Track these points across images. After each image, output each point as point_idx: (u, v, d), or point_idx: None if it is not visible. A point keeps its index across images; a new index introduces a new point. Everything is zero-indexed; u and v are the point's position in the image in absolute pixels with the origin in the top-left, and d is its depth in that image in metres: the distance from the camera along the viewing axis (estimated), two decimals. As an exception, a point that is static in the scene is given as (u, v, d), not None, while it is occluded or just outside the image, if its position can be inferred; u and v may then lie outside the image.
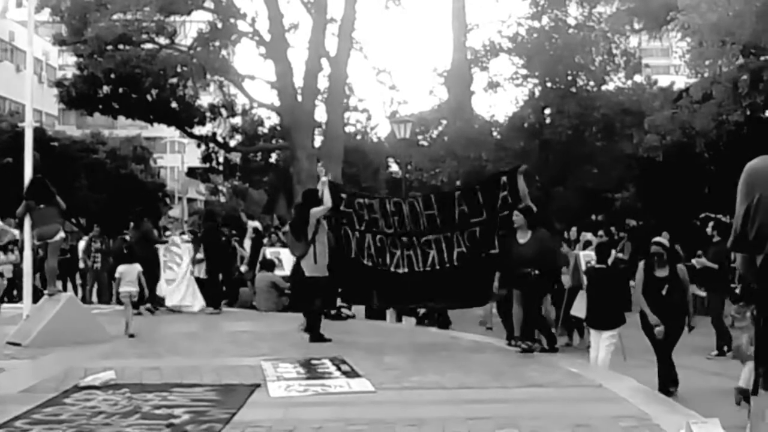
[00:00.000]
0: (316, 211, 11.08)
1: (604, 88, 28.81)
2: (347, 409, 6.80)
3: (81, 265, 19.50)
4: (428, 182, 32.77)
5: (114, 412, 6.72)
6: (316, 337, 10.91)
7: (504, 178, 10.83)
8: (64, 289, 17.94)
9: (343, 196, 11.60)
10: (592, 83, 28.48)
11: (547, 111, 28.50)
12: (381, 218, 11.25)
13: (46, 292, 11.90)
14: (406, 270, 11.12)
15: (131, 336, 11.59)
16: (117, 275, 12.45)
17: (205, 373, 8.60)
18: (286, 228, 11.23)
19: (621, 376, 8.48)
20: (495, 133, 30.42)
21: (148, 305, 14.78)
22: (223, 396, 7.34)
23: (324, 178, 11.67)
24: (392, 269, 11.19)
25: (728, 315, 12.37)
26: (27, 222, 11.66)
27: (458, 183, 29.31)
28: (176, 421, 6.37)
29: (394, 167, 41.19)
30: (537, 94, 29.02)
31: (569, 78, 27.97)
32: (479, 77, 31.14)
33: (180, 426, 6.23)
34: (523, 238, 10.16)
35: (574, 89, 27.99)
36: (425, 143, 33.98)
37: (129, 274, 12.20)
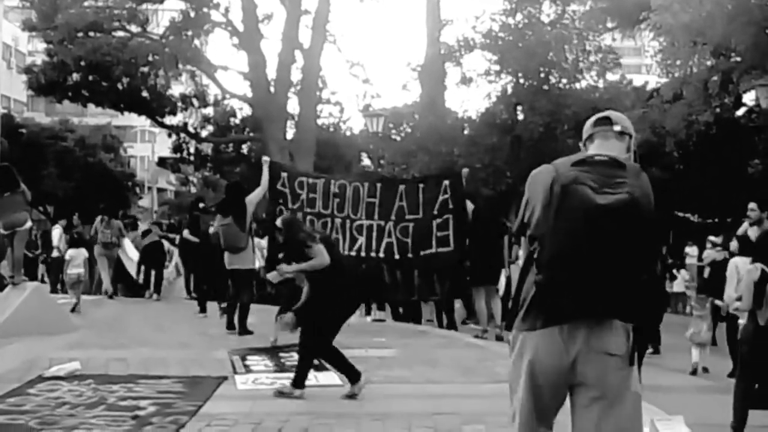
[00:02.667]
0: (251, 198, 11.08)
1: (576, 85, 28.95)
2: (314, 402, 6.79)
3: (55, 254, 19.28)
4: (400, 176, 32.77)
5: (79, 403, 6.68)
6: (245, 330, 10.97)
7: (446, 182, 11.08)
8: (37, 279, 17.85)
9: (284, 174, 11.53)
10: (564, 81, 28.60)
11: (520, 107, 28.59)
12: (320, 199, 11.31)
13: (12, 281, 11.77)
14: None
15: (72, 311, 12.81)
16: (67, 257, 14.42)
17: (172, 364, 8.55)
18: (227, 221, 10.86)
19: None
20: (467, 129, 30.48)
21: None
22: (190, 388, 7.30)
23: (265, 158, 11.83)
24: None
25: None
26: (-8, 209, 11.51)
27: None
28: (142, 413, 6.32)
29: (366, 161, 41.11)
30: (510, 90, 29.08)
31: (542, 75, 28.07)
32: (452, 72, 31.17)
33: (145, 418, 6.19)
34: None
35: (546, 86, 28.09)
36: (398, 137, 33.96)
37: (77, 258, 14.15)
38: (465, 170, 11.58)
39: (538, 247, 3.24)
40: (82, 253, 14.42)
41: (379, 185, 11.71)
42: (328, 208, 11.29)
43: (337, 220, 11.27)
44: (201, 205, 15.09)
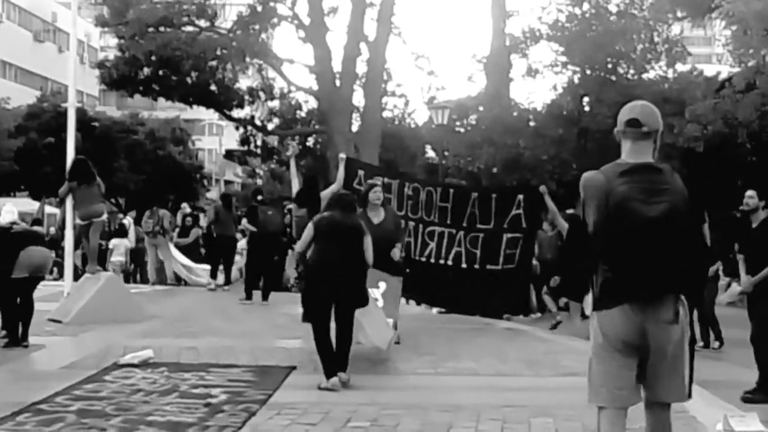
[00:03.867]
0: (326, 193, 11.03)
1: (644, 76, 28.47)
2: (382, 393, 6.84)
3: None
4: (465, 168, 32.65)
5: (152, 390, 6.83)
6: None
7: (521, 197, 10.93)
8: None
9: (360, 172, 11.51)
10: (632, 71, 28.16)
11: (586, 99, 28.25)
12: (394, 199, 11.26)
13: (87, 270, 12.10)
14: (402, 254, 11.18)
15: None
16: (110, 246, 15.89)
17: (241, 354, 8.69)
18: (302, 212, 11.11)
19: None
20: (533, 121, 30.22)
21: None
22: (259, 377, 7.42)
23: (342, 155, 11.84)
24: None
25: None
26: (69, 202, 11.85)
27: (495, 170, 29.22)
28: (214, 401, 6.46)
29: (431, 153, 41.06)
30: (576, 81, 28.76)
31: (609, 66, 27.69)
32: (518, 64, 30.92)
33: (217, 406, 6.31)
34: None
35: (614, 77, 27.70)
36: (462, 130, 33.84)
37: (119, 247, 16.02)
38: (543, 187, 11.37)
39: (599, 242, 3.91)
40: (124, 242, 16.04)
41: (451, 191, 11.72)
42: (402, 209, 11.26)
43: (411, 223, 11.25)
44: (259, 197, 15.42)
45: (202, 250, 18.65)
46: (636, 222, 3.82)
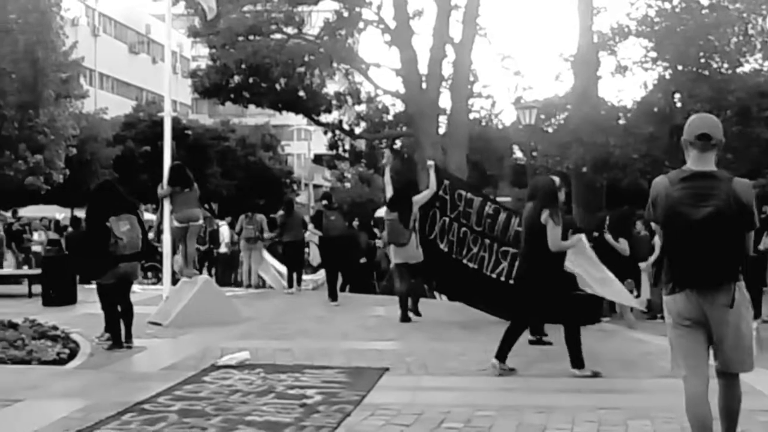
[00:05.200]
0: (418, 198, 11.65)
1: (739, 70, 27.59)
2: (476, 394, 6.85)
3: (222, 249, 20.34)
4: (554, 168, 32.25)
5: (250, 390, 6.99)
6: (415, 312, 11.74)
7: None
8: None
9: (446, 182, 11.90)
10: (726, 65, 27.32)
11: (678, 95, 27.54)
12: (474, 214, 11.66)
13: (184, 273, 12.43)
14: (475, 266, 11.57)
15: None
16: None
17: (335, 355, 8.82)
18: (393, 216, 11.50)
19: (758, 368, 8.18)
20: (622, 119, 29.63)
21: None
22: (353, 378, 7.51)
23: (430, 162, 12.24)
24: (464, 261, 11.60)
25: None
26: (166, 207, 12.22)
27: (584, 169, 28.78)
28: (309, 402, 6.56)
29: (518, 154, 40.74)
30: (667, 77, 28.06)
31: (702, 60, 26.89)
32: (606, 61, 30.28)
33: (313, 406, 6.41)
34: None
35: (706, 72, 26.88)
36: (550, 129, 33.44)
37: None
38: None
39: (663, 238, 4.71)
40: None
41: None
42: (480, 225, 11.63)
43: (486, 240, 11.59)
44: (324, 201, 15.86)
45: None
46: (684, 222, 4.49)
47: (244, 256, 18.22)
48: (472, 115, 33.77)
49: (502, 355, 7.71)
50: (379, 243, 18.90)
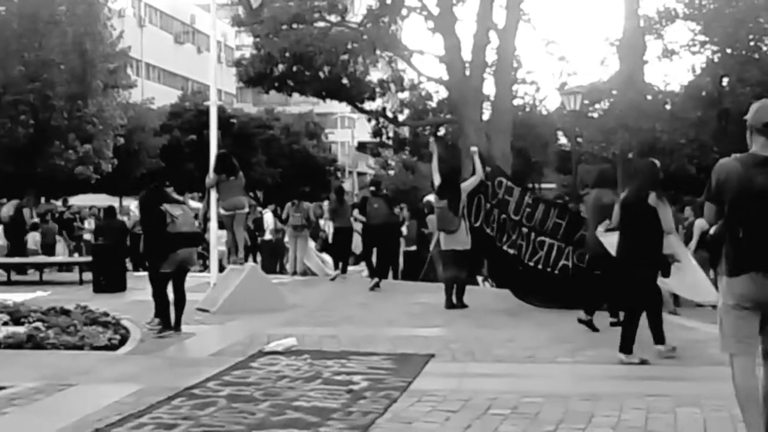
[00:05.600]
0: (466, 185, 11.80)
1: (790, 53, 27.02)
2: (522, 381, 6.84)
3: (267, 236, 20.51)
4: (599, 155, 31.95)
5: (297, 376, 7.06)
6: (461, 304, 11.73)
7: None
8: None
9: (488, 168, 12.06)
10: (777, 48, 26.78)
11: (726, 79, 27.07)
12: (513, 203, 11.83)
13: (230, 261, 12.58)
14: (514, 252, 11.69)
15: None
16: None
17: (380, 342, 8.86)
18: (442, 203, 11.62)
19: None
20: (669, 104, 29.21)
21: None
22: (399, 365, 7.55)
23: (474, 149, 12.42)
24: (504, 247, 11.74)
25: None
26: (213, 195, 12.37)
27: (630, 155, 28.46)
28: (355, 387, 6.62)
29: (563, 140, 40.38)
30: (716, 61, 27.58)
31: (751, 43, 26.40)
32: (653, 45, 29.88)
33: (359, 392, 6.47)
34: None
35: (756, 55, 26.39)
36: (596, 115, 33.08)
37: (222, 237, 15.03)
38: None
39: (734, 221, 4.64)
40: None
41: (569, 211, 12.44)
42: (518, 214, 11.77)
43: (524, 229, 11.73)
44: (372, 188, 15.96)
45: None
46: (761, 205, 4.56)
47: (290, 243, 18.32)
48: (516, 102, 33.55)
49: (626, 347, 7.65)
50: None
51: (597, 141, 30.76)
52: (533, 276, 11.64)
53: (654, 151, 27.44)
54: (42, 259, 18.65)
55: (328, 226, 18.31)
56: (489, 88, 27.69)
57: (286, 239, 18.92)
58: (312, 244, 18.56)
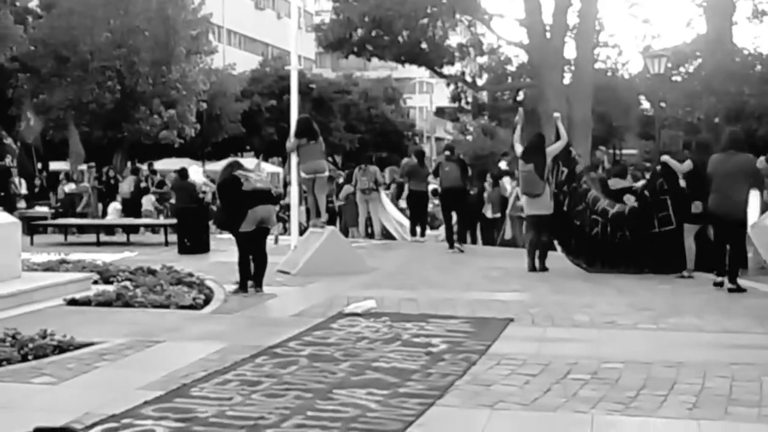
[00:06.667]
0: (551, 149, 11.93)
1: None
2: (602, 347, 6.79)
3: (342, 202, 20.69)
4: (683, 120, 31.18)
5: (376, 338, 7.14)
6: (543, 268, 11.87)
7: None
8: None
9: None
10: None
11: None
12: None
13: (311, 224, 12.73)
14: (578, 223, 11.91)
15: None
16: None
17: (459, 305, 8.89)
18: (528, 167, 11.64)
19: None
20: (759, 66, 28.26)
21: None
22: (478, 328, 7.56)
23: (556, 114, 12.80)
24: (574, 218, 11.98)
25: None
26: (294, 160, 12.53)
27: (716, 120, 27.67)
28: (434, 350, 6.67)
29: (646, 104, 39.49)
30: (810, 21, 26.54)
31: None
32: (742, 6, 28.98)
33: (438, 354, 6.51)
34: None
35: None
36: (680, 78, 32.25)
37: None
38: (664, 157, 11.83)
39: None
40: None
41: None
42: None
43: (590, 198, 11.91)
44: (446, 152, 16.08)
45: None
46: None
47: (360, 207, 18.47)
48: (597, 65, 32.88)
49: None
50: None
51: (681, 105, 30.04)
52: (599, 245, 11.68)
53: (742, 116, 26.67)
54: (129, 221, 19.24)
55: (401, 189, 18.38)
56: (570, 51, 27.16)
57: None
58: (390, 207, 18.66)
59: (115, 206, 21.61)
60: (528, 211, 12.20)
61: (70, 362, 6.21)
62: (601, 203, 11.75)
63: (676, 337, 7.24)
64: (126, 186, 22.55)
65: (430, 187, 17.37)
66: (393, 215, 18.43)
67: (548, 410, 5.05)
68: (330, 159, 37.30)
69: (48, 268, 10.79)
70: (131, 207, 21.38)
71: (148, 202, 21.25)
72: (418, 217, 17.11)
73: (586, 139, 24.18)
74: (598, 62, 33.86)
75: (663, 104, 30.82)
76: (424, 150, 20.99)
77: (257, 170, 9.78)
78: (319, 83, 42.52)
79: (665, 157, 11.86)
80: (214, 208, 16.87)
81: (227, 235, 10.92)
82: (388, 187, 20.19)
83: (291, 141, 12.30)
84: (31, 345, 6.45)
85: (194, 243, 14.40)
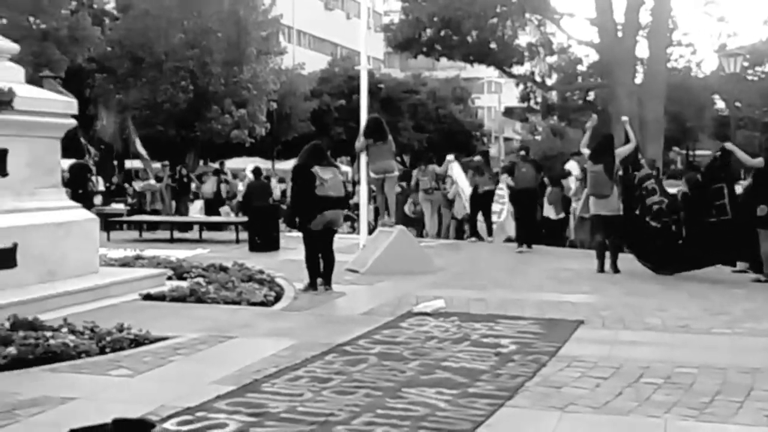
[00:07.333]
0: (621, 151, 11.96)
1: None
2: (675, 351, 6.68)
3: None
4: (760, 120, 30.44)
5: (445, 338, 7.14)
6: (614, 269, 11.75)
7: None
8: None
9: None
10: None
11: None
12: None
13: (380, 223, 12.79)
14: (656, 225, 11.75)
15: None
16: None
17: (528, 306, 8.84)
18: (597, 168, 11.59)
19: None
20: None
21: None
22: (548, 330, 7.51)
23: (624, 118, 12.92)
24: (647, 218, 11.82)
25: None
26: (363, 159, 12.60)
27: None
28: (504, 350, 6.64)
29: (720, 104, 38.60)
30: None
31: None
32: (825, 3, 28.09)
33: (507, 355, 6.49)
34: None
35: None
36: (756, 78, 31.49)
37: None
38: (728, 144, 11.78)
39: None
40: None
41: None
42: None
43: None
44: (522, 152, 16.01)
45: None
46: None
47: (424, 207, 18.46)
48: (670, 65, 32.26)
49: None
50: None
51: (757, 105, 29.31)
52: (671, 248, 11.54)
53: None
54: (201, 219, 19.59)
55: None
56: (642, 50, 26.76)
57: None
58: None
59: (198, 205, 22.24)
60: (595, 211, 12.09)
61: (145, 356, 6.35)
62: (657, 198, 11.71)
63: (752, 343, 7.09)
64: (209, 186, 23.20)
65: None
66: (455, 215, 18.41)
67: (620, 414, 4.98)
68: (398, 159, 37.40)
69: (124, 263, 11.05)
70: (214, 207, 22.01)
71: (196, 208, 22.26)
72: (485, 215, 17.09)
73: (658, 139, 23.79)
74: (671, 61, 33.24)
75: (738, 104, 30.14)
76: (489, 150, 21.01)
77: (335, 175, 9.72)
78: (388, 83, 42.62)
79: (729, 145, 11.67)
80: (284, 206, 17.08)
81: (297, 234, 11.03)
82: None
83: (360, 141, 12.38)
84: (108, 338, 6.63)
85: (264, 241, 14.59)
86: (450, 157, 17.60)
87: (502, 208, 16.89)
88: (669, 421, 4.82)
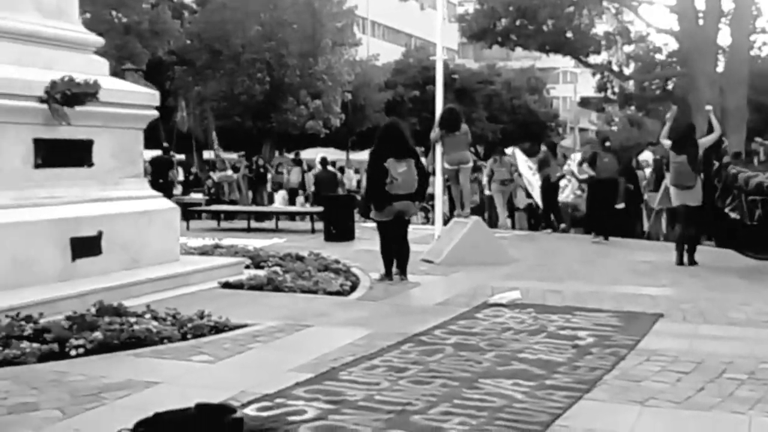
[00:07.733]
0: (704, 141, 11.73)
1: None
2: (760, 346, 6.52)
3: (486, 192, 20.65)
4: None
5: (521, 329, 7.10)
6: (692, 262, 11.54)
7: None
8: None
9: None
10: None
11: None
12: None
13: (455, 214, 12.77)
14: (735, 216, 11.65)
15: None
16: None
17: (605, 299, 8.73)
18: (681, 158, 11.42)
19: None
20: None
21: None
22: (626, 323, 7.40)
23: (708, 107, 12.63)
24: (726, 210, 11.73)
25: None
26: (438, 150, 12.59)
27: None
28: (581, 343, 6.57)
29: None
30: None
31: None
32: None
33: (585, 348, 6.42)
34: None
35: None
36: None
37: None
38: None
39: None
40: None
41: None
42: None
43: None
44: (607, 143, 15.73)
45: None
46: None
47: (495, 198, 18.35)
48: (753, 52, 31.33)
49: None
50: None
51: None
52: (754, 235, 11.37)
53: None
54: (278, 208, 19.85)
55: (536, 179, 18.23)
56: (724, 38, 26.04)
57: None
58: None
59: (282, 195, 22.58)
60: (676, 202, 11.87)
61: (225, 342, 6.48)
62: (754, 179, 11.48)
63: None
64: (294, 176, 23.59)
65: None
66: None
67: (702, 409, 4.89)
68: (473, 150, 37.25)
69: (203, 252, 11.26)
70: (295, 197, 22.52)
71: (280, 198, 22.39)
72: (550, 206, 17.01)
73: (740, 129, 23.18)
74: (755, 49, 32.25)
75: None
76: (555, 141, 20.84)
77: (408, 168, 9.66)
78: (462, 73, 42.43)
79: None
80: (359, 197, 17.18)
81: (372, 224, 11.10)
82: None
83: (435, 131, 12.36)
84: (189, 325, 6.79)
85: (340, 231, 14.70)
86: (510, 149, 17.62)
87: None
88: (754, 418, 4.71)
